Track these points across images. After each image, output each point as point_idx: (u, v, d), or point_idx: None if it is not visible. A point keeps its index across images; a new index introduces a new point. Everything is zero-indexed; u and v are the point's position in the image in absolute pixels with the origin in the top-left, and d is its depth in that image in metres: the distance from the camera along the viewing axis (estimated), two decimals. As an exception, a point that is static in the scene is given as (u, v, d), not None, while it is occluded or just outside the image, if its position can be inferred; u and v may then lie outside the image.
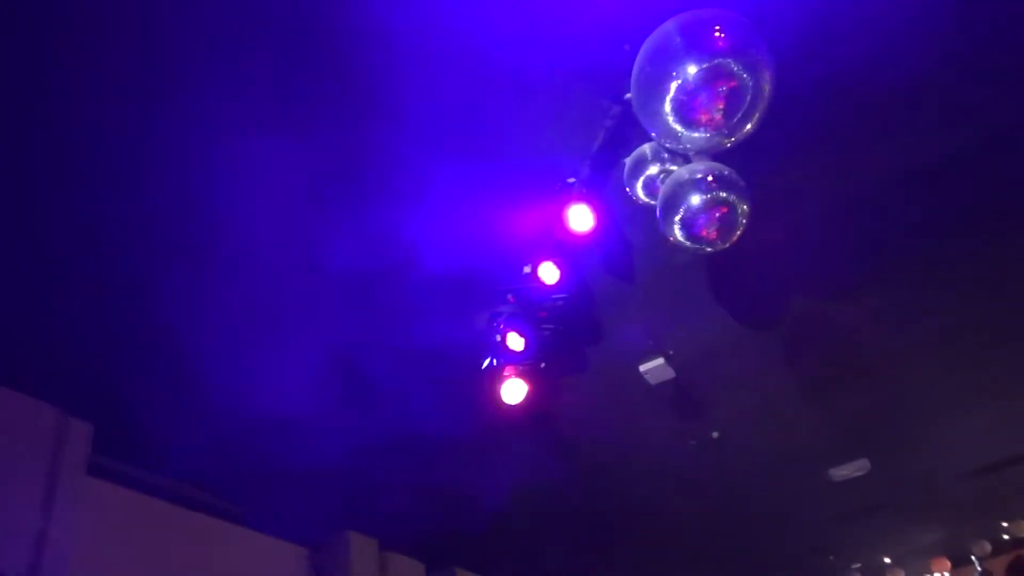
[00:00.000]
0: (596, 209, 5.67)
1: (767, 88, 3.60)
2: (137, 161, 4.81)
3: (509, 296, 6.50)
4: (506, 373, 6.94)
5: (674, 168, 4.58)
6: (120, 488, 8.11)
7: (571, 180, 5.72)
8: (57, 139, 4.60)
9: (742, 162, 4.48)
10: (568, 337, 7.09)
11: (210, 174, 4.93)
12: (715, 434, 9.52)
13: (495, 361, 6.94)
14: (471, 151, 5.31)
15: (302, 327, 6.48)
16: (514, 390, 6.91)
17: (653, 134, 4.23)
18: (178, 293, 5.84)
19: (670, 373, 7.80)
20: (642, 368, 7.74)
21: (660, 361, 7.67)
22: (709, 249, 4.51)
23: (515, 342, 6.77)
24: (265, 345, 6.54)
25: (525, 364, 6.92)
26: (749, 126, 3.71)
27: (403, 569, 11.43)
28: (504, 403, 6.94)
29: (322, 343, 6.63)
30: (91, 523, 7.47)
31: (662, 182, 4.53)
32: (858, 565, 17.44)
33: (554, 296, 6.47)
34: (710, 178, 4.26)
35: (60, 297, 5.98)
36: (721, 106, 3.60)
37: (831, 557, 16.41)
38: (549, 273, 6.21)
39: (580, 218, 5.68)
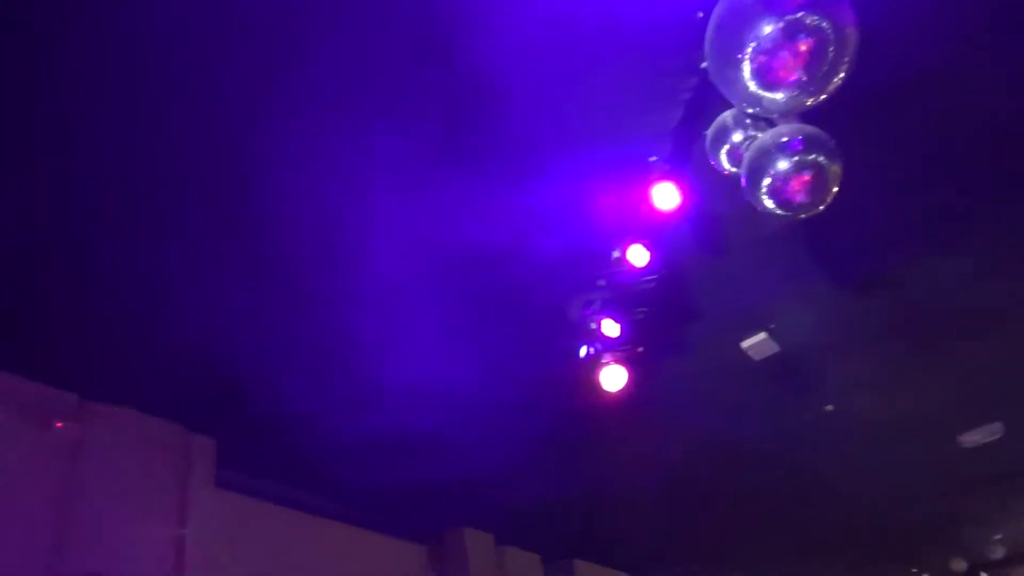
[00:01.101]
0: (681, 186, 5.55)
1: (851, 36, 3.41)
2: (267, 160, 5.06)
3: (600, 282, 6.45)
4: (604, 360, 6.90)
5: (758, 134, 4.42)
6: (246, 498, 8.55)
7: (653, 159, 5.63)
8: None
9: (834, 120, 4.27)
10: (664, 319, 6.98)
11: (335, 164, 5.15)
12: (830, 407, 9.15)
13: (592, 349, 6.91)
14: (556, 139, 5.30)
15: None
16: (613, 377, 6.85)
17: (733, 101, 4.10)
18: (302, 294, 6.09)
19: (774, 347, 7.55)
20: (744, 345, 7.53)
21: (763, 336, 7.44)
22: (802, 215, 4.33)
23: (610, 328, 6.72)
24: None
25: (622, 350, 6.85)
26: (837, 79, 3.52)
27: (520, 562, 11.55)
28: (604, 391, 6.90)
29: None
30: (222, 532, 7.90)
31: (746, 150, 4.38)
32: (999, 536, 16.43)
33: (645, 278, 6.38)
34: (798, 140, 4.09)
35: (179, 318, 6.32)
36: (802, 63, 3.45)
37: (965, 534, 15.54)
38: (639, 256, 6.12)
39: (665, 196, 5.58)
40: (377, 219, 5.59)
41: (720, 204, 5.99)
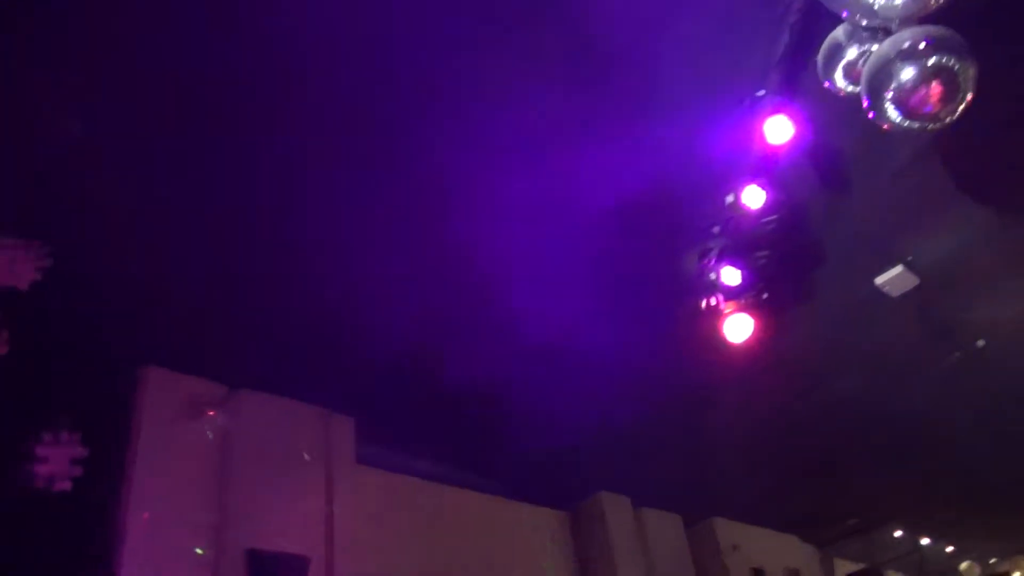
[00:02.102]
0: (794, 117, 5.23)
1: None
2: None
3: (715, 228, 6.20)
4: (727, 311, 6.65)
5: (875, 46, 4.07)
6: (387, 473, 8.90)
7: (760, 93, 5.33)
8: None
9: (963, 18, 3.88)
10: (787, 262, 6.63)
11: (474, 134, 5.28)
12: (980, 342, 8.46)
13: (713, 300, 6.68)
14: (664, 88, 5.15)
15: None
16: (739, 327, 6.60)
17: (844, 14, 3.81)
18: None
19: (912, 280, 7.02)
20: (879, 281, 7.05)
21: (899, 269, 6.93)
22: (932, 126, 3.97)
23: (730, 276, 6.47)
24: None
25: (745, 298, 6.58)
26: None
27: (660, 523, 11.46)
28: (730, 343, 6.66)
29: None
30: (366, 507, 8.27)
31: (864, 64, 4.05)
32: None
33: (764, 220, 6.07)
34: (922, 44, 3.73)
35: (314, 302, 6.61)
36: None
37: None
38: (754, 197, 5.83)
39: (778, 130, 5.27)
40: (513, 185, 5.63)
41: (839, 132, 5.61)
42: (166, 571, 6.45)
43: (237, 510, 7.15)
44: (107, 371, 6.57)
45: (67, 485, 5.26)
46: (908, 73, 3.76)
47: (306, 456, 7.82)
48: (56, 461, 5.49)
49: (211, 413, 7.30)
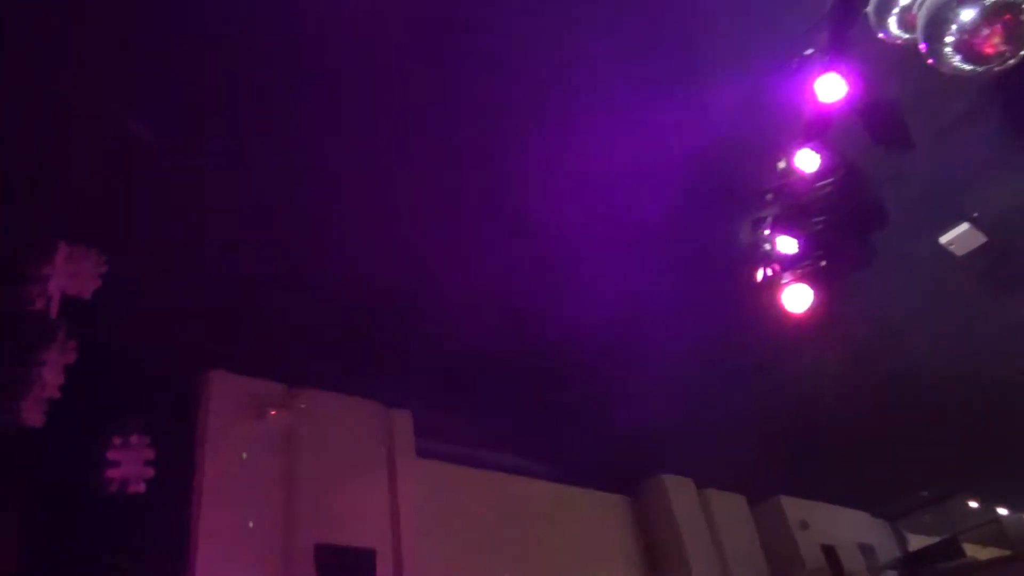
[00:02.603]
0: (846, 74, 5.05)
1: None
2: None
3: (768, 196, 6.04)
4: (784, 281, 6.48)
5: (931, -11, 3.90)
6: (448, 465, 8.94)
7: (809, 52, 5.17)
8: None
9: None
10: (845, 227, 6.43)
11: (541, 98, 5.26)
12: (1053, 299, 8.09)
13: (770, 271, 6.52)
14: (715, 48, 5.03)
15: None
16: (797, 297, 6.42)
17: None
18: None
19: (979, 238, 6.73)
20: (943, 240, 6.77)
21: (964, 227, 6.65)
22: (996, 68, 3.78)
23: (786, 245, 6.30)
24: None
25: (803, 267, 6.40)
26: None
27: (724, 503, 11.27)
28: (789, 314, 6.50)
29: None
30: (430, 498, 8.31)
31: (919, 9, 3.88)
32: None
33: (819, 184, 5.90)
34: (982, -18, 3.56)
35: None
36: None
37: None
38: (808, 160, 5.67)
39: (829, 89, 5.10)
40: (571, 152, 5.59)
41: (894, 86, 5.40)
42: (238, 567, 6.57)
43: (303, 506, 7.26)
44: (172, 375, 6.71)
45: (141, 487, 5.40)
46: (968, 14, 3.60)
47: (374, 450, 7.92)
48: (128, 465, 5.64)
49: (273, 412, 7.42)
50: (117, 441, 5.65)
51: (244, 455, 7.05)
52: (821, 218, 6.20)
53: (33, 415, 5.42)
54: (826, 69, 5.07)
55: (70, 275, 4.41)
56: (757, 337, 7.47)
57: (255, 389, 7.43)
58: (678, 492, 10.73)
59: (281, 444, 7.49)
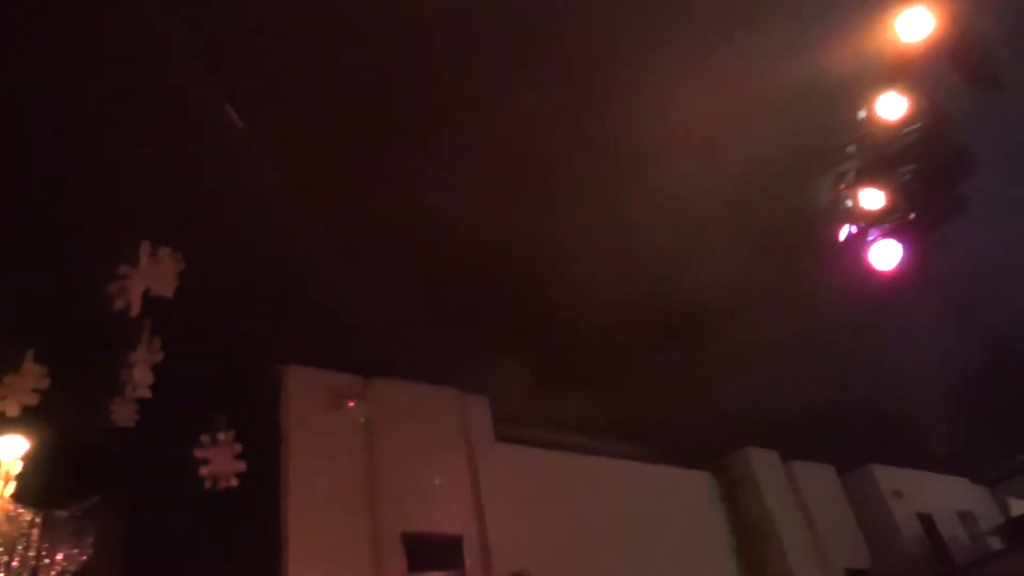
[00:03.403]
0: (931, 7, 4.72)
1: None
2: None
3: (850, 148, 5.73)
4: (871, 238, 6.16)
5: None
6: (526, 448, 8.87)
7: (890, -13, 4.85)
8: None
9: None
10: (935, 176, 6.06)
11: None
12: None
13: (853, 228, 6.21)
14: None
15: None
16: (886, 254, 6.11)
17: None
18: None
19: (1083, 179, 6.29)
20: (1043, 184, 6.35)
21: (1065, 169, 6.22)
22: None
23: (871, 199, 5.98)
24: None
25: (890, 221, 6.07)
26: None
27: (812, 475, 10.94)
28: (876, 272, 6.18)
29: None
30: (512, 482, 8.25)
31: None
32: None
33: (905, 132, 5.55)
34: None
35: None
36: None
37: None
38: (891, 106, 5.34)
39: (913, 26, 4.79)
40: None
41: (985, 19, 5.02)
42: (330, 558, 6.63)
43: (388, 495, 7.29)
44: (251, 372, 6.80)
45: (233, 482, 5.47)
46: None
47: (452, 436, 7.91)
48: (218, 461, 5.72)
49: (351, 404, 7.46)
50: (205, 439, 5.74)
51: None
52: (908, 168, 5.85)
53: (125, 416, 5.57)
54: (909, 2, 4.75)
55: (152, 274, 4.45)
56: (843, 300, 7.16)
57: (332, 382, 7.49)
58: (763, 465, 10.46)
59: (361, 435, 7.54)
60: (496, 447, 8.43)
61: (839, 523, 10.85)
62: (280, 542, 6.56)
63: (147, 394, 4.96)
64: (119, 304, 4.38)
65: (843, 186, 6.03)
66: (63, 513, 6.01)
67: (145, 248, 4.47)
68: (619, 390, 7.77)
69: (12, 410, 4.76)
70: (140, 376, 4.89)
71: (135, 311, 4.48)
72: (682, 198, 5.99)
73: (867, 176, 5.90)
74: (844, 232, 6.24)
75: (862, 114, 5.53)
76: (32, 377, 4.88)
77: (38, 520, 5.81)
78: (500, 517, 7.84)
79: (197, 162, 4.91)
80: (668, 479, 9.95)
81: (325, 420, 7.29)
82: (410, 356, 7.43)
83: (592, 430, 8.93)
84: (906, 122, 5.44)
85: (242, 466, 5.50)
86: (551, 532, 8.17)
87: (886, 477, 11.34)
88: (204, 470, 5.64)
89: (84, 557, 6.08)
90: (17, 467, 5.71)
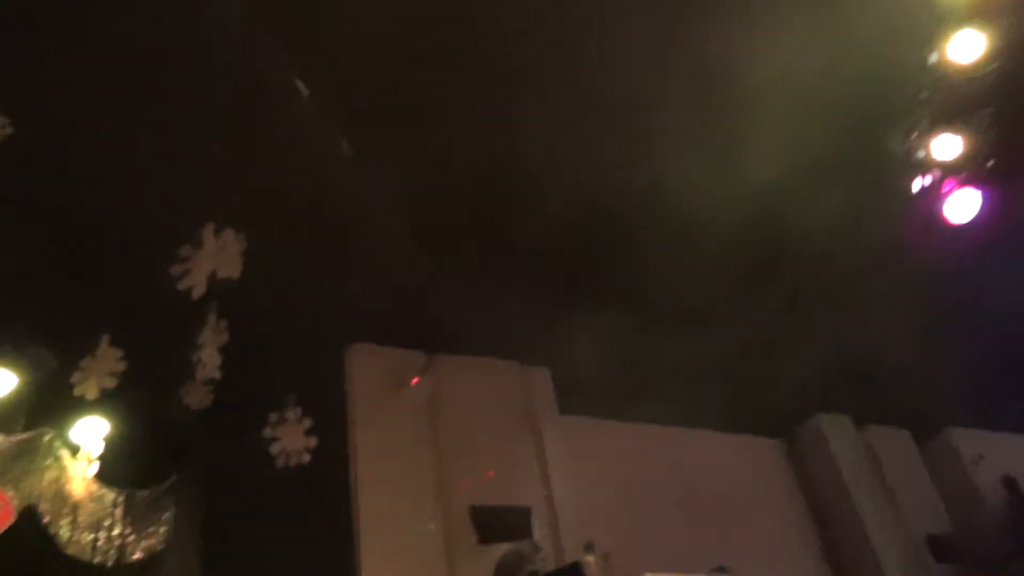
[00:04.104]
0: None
1: None
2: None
3: (922, 94, 5.43)
4: (946, 188, 5.85)
5: None
6: (592, 419, 8.82)
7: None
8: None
9: None
10: (1017, 118, 5.70)
11: None
12: None
13: (928, 178, 5.90)
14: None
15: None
16: (963, 205, 5.79)
17: None
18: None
19: None
20: None
21: None
22: None
23: (946, 147, 5.67)
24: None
25: (967, 170, 5.75)
26: None
27: (887, 439, 10.56)
28: (953, 224, 5.88)
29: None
30: (577, 453, 8.21)
31: None
32: None
33: (982, 72, 5.22)
34: None
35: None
36: None
37: None
38: (967, 46, 5.03)
39: (990, -43, 4.49)
40: None
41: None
42: (400, 533, 6.71)
43: (454, 469, 7.35)
44: (317, 350, 6.89)
45: (305, 458, 5.57)
46: None
47: (516, 409, 7.90)
48: (289, 439, 5.83)
49: (415, 381, 7.52)
50: (274, 417, 5.86)
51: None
52: (986, 111, 5.52)
53: (198, 398, 5.71)
54: (985, -66, 4.47)
55: (218, 256, 4.52)
56: (916, 255, 6.84)
57: (395, 359, 7.57)
58: (835, 431, 10.16)
59: (426, 411, 7.60)
60: (561, 419, 8.41)
61: (917, 489, 10.46)
62: (351, 517, 6.68)
63: (216, 375, 5.07)
64: (184, 286, 4.46)
65: (916, 135, 5.74)
66: (144, 493, 6.23)
67: (209, 230, 4.53)
68: (695, 349, 7.52)
69: (91, 392, 4.92)
70: (209, 358, 4.99)
71: (200, 292, 4.56)
72: (784, 141, 5.71)
73: (941, 123, 5.59)
74: (918, 183, 5.95)
75: (934, 57, 5.23)
76: (109, 360, 5.04)
77: (121, 500, 6.03)
78: (568, 488, 7.82)
79: (261, 138, 4.93)
80: (738, 447, 9.77)
81: (390, 396, 7.38)
82: (474, 331, 7.40)
83: (664, 396, 8.75)
84: (983, 62, 5.12)
85: (312, 442, 5.60)
86: (620, 502, 8.12)
87: (966, 440, 10.86)
88: (275, 448, 5.77)
89: (165, 534, 6.30)
90: (99, 448, 5.95)
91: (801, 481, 10.07)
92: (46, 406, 5.76)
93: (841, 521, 9.61)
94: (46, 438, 5.60)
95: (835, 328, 7.58)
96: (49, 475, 5.54)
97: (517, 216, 6.09)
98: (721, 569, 6.61)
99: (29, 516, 5.37)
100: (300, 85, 4.44)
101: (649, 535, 7.87)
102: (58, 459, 5.65)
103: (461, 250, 6.32)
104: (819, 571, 9.07)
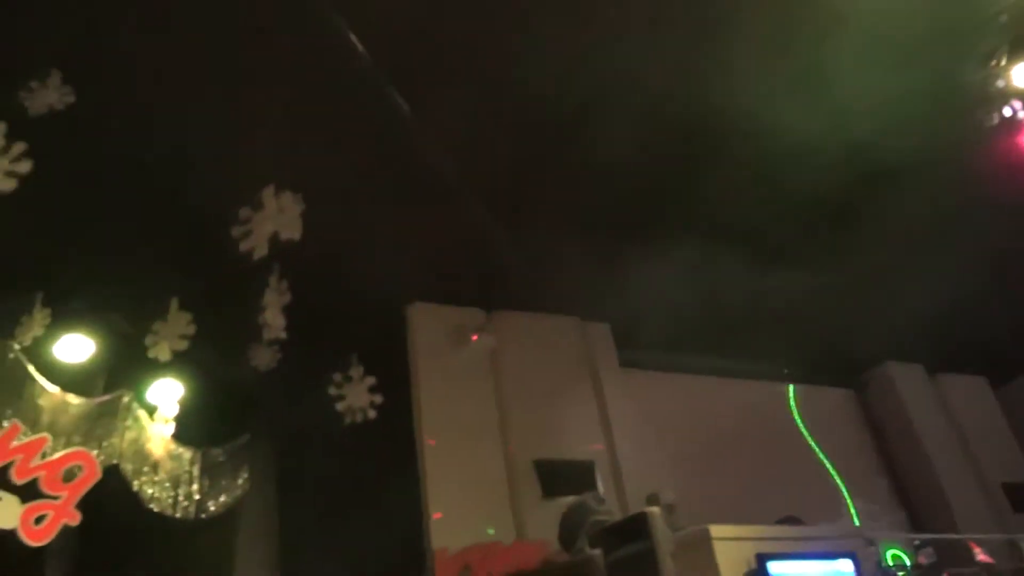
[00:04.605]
0: None
1: None
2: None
3: (1001, 17, 5.09)
4: (1025, 118, 5.53)
5: None
6: (654, 373, 8.74)
7: None
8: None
9: None
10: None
11: None
12: None
13: (1007, 110, 5.57)
14: None
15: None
16: (1045, 137, 5.48)
17: None
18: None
19: None
20: None
21: None
22: None
23: (1024, 75, 5.33)
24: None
25: (1051, 98, 5.41)
26: None
27: (960, 387, 10.21)
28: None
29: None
30: (639, 407, 8.16)
31: None
32: None
33: (1067, -8, 4.88)
34: None
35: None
36: None
37: None
38: (1051, -36, 4.70)
39: None
40: None
41: None
42: (466, 485, 6.80)
43: (517, 424, 7.39)
44: (377, 310, 6.97)
45: (371, 414, 5.67)
46: None
47: (577, 363, 7.90)
48: (354, 396, 5.94)
49: (475, 337, 7.55)
50: (338, 376, 5.96)
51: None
52: (1074, 29, 5.16)
53: (264, 358, 5.85)
54: None
55: (278, 218, 4.57)
56: (992, 193, 6.50)
57: (455, 317, 7.61)
58: (907, 380, 9.87)
59: (487, 367, 7.65)
60: (621, 373, 8.35)
61: (993, 437, 10.13)
62: (418, 471, 6.80)
63: (281, 336, 5.16)
64: (245, 248, 4.53)
65: (994, 63, 5.41)
66: (218, 451, 6.46)
67: (270, 192, 4.58)
68: (765, 295, 7.32)
69: (164, 355, 5.07)
70: (273, 319, 5.08)
71: (261, 254, 4.63)
72: (865, 71, 5.43)
73: (1020, 49, 5.25)
74: (996, 116, 5.62)
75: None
76: (179, 324, 5.18)
77: (197, 457, 6.27)
78: (630, 441, 7.80)
79: (320, 98, 4.92)
80: (804, 398, 9.57)
81: (451, 353, 7.44)
82: (533, 287, 7.37)
83: (729, 346, 8.59)
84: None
85: (377, 398, 5.69)
86: (683, 455, 8.05)
87: (1045, 386, 10.46)
88: (341, 405, 5.89)
89: (241, 490, 6.53)
90: (175, 410, 6.17)
91: (871, 430, 9.85)
92: (123, 369, 5.98)
93: (913, 470, 9.39)
94: (125, 399, 5.83)
95: (910, 273, 7.27)
96: (129, 435, 5.78)
97: (578, 155, 5.90)
98: (790, 519, 6.51)
99: (113, 474, 5.61)
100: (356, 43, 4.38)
101: (713, 487, 7.79)
102: (137, 420, 5.88)
103: (520, 204, 6.24)
104: (891, 521, 8.88)
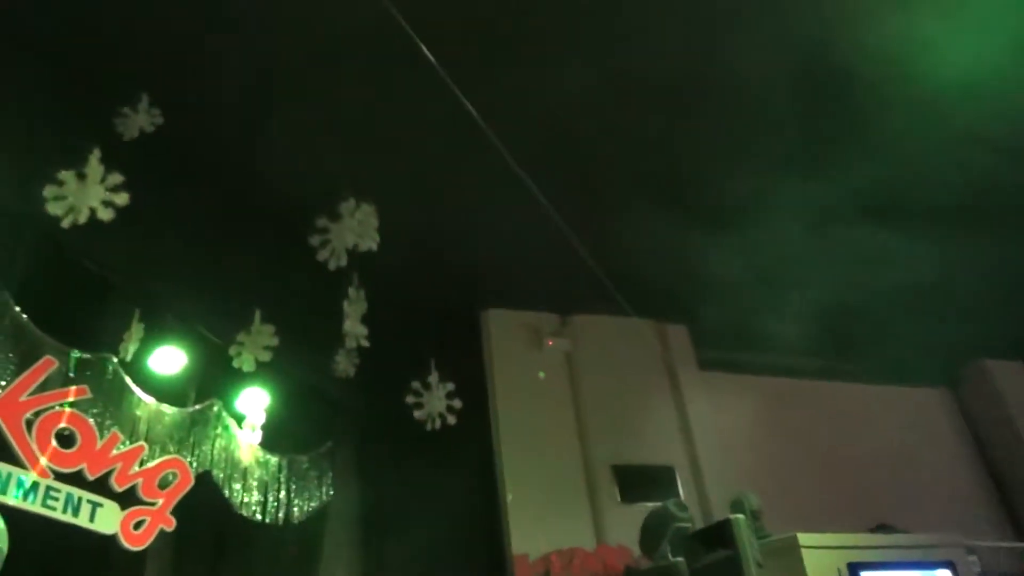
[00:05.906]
0: None
1: None
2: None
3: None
4: None
5: None
6: (734, 375, 8.52)
7: None
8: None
9: None
10: None
11: None
12: None
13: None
14: None
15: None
16: None
17: None
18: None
19: None
20: None
21: None
22: None
23: None
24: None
25: None
26: None
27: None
28: None
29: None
30: (720, 409, 7.96)
31: None
32: None
33: None
34: None
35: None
36: None
37: None
38: None
39: None
40: None
41: None
42: (545, 490, 6.78)
43: (595, 428, 7.33)
44: (454, 316, 7.03)
45: (450, 420, 5.71)
46: None
47: (655, 367, 7.77)
48: (432, 403, 5.99)
49: (551, 342, 7.54)
50: (416, 383, 6.03)
51: (542, 374, 7.27)
52: None
53: (345, 366, 5.97)
54: None
55: (356, 229, 4.67)
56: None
57: (530, 322, 7.62)
58: (1007, 377, 9.31)
59: (564, 371, 7.62)
60: (701, 375, 8.19)
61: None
62: (496, 477, 6.82)
63: (361, 344, 5.25)
64: (323, 257, 4.64)
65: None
66: (303, 458, 6.63)
67: (348, 203, 4.68)
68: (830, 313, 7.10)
69: (248, 365, 5.22)
70: (353, 327, 5.17)
71: (339, 264, 4.73)
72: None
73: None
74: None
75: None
76: (263, 335, 5.32)
77: (284, 464, 6.44)
78: (712, 446, 7.63)
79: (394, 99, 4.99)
80: (894, 399, 9.16)
81: (527, 359, 7.45)
82: (607, 290, 7.28)
83: (804, 353, 8.32)
84: None
85: (456, 404, 5.72)
86: (767, 459, 7.81)
87: None
88: (419, 413, 5.95)
89: (325, 496, 6.69)
90: (261, 417, 6.37)
91: (968, 432, 9.35)
92: (211, 380, 6.20)
93: (1017, 475, 8.86)
94: (214, 409, 6.03)
95: (1007, 260, 6.87)
96: (219, 443, 5.98)
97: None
98: (883, 527, 6.24)
99: (205, 481, 5.83)
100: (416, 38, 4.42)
101: (800, 493, 7.54)
102: (226, 428, 6.08)
103: (593, 203, 6.18)
104: (995, 530, 8.39)
